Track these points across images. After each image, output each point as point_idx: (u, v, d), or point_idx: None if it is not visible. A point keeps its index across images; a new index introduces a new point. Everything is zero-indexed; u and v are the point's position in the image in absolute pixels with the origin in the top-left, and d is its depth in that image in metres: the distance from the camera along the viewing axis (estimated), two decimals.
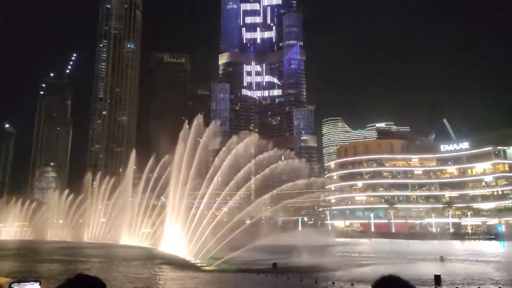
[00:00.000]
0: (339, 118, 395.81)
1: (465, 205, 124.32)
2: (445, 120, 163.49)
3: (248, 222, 54.17)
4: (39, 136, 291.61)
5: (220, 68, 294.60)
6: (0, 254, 55.74)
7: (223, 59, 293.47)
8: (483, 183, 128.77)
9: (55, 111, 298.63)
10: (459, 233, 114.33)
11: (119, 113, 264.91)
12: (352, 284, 27.72)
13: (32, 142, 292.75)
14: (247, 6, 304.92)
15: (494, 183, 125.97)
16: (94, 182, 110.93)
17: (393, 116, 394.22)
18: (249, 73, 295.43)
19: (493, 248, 73.58)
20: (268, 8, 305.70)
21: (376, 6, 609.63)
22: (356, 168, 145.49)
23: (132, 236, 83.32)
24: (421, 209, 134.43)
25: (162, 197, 79.50)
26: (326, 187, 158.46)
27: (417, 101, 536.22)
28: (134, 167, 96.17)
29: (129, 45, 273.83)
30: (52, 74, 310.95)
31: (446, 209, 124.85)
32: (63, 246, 74.37)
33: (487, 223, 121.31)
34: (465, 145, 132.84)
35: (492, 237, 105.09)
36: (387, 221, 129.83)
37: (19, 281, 3.27)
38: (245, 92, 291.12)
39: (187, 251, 51.32)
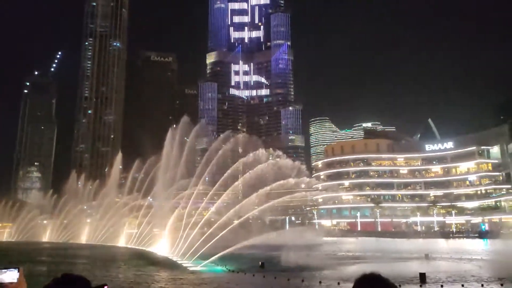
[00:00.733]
0: (326, 118, 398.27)
1: (449, 204, 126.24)
2: (430, 120, 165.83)
3: (235, 221, 54.03)
4: (23, 135, 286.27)
5: (208, 67, 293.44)
6: None
7: (210, 58, 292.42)
8: (467, 182, 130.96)
9: (39, 110, 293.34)
10: (444, 232, 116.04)
11: (105, 112, 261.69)
12: (338, 283, 27.83)
13: (16, 142, 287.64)
14: (235, 5, 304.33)
15: (478, 182, 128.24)
16: (79, 182, 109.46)
17: (379, 116, 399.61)
18: (237, 73, 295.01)
19: (477, 246, 74.84)
20: (256, 8, 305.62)
21: (364, 7, 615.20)
22: (343, 168, 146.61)
23: (117, 236, 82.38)
24: (406, 208, 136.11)
25: (148, 197, 78.87)
26: (314, 186, 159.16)
27: (403, 102, 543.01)
28: (120, 167, 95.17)
29: (115, 44, 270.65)
30: (36, 73, 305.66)
31: (431, 208, 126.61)
32: (47, 247, 73.18)
33: (471, 221, 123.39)
34: (449, 145, 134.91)
35: (476, 235, 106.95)
36: (373, 220, 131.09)
37: None
38: (233, 91, 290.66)
39: (173, 252, 50.95)
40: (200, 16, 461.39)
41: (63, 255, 55.77)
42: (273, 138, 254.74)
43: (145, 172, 76.90)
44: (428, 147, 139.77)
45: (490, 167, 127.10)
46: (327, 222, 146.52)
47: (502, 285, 27.15)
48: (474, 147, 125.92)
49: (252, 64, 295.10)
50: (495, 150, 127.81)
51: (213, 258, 40.16)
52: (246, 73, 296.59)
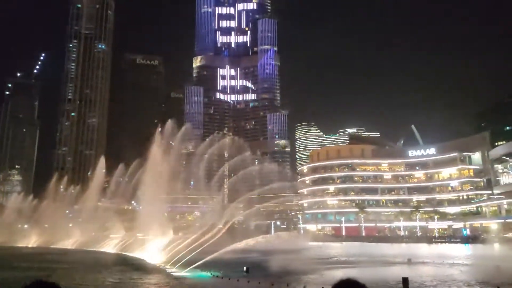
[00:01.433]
0: (312, 123, 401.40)
1: (432, 209, 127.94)
2: (413, 127, 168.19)
3: (221, 226, 53.80)
4: (3, 137, 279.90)
5: (194, 71, 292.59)
6: None
7: (197, 62, 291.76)
8: (449, 188, 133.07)
9: (21, 112, 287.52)
10: (426, 236, 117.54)
11: (89, 114, 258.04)
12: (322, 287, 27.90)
13: None
14: (222, 10, 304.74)
15: (459, 188, 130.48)
16: (61, 186, 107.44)
17: (364, 121, 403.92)
18: (223, 77, 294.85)
19: (459, 251, 76.05)
20: (243, 13, 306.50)
21: (349, 15, 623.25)
22: (328, 173, 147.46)
23: (101, 241, 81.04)
24: (390, 212, 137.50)
25: (132, 201, 77.90)
26: (299, 191, 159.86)
27: (388, 108, 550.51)
28: (104, 170, 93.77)
29: (100, 46, 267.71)
30: (19, 74, 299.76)
31: (414, 213, 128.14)
32: (27, 252, 71.52)
33: (453, 226, 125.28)
34: (432, 151, 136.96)
35: (457, 240, 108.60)
36: (357, 224, 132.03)
37: None
38: (219, 95, 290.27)
39: (158, 257, 50.38)
40: (187, 20, 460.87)
41: (43, 260, 54.56)
42: (259, 143, 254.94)
43: (129, 176, 76.00)
44: (411, 153, 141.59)
45: (471, 173, 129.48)
46: (312, 227, 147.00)
47: None
48: (456, 153, 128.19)
49: (238, 68, 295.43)
50: (476, 156, 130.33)
51: (197, 263, 39.85)
52: (232, 77, 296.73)
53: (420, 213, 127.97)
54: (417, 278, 32.97)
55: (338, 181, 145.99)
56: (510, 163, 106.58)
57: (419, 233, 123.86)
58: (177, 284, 33.53)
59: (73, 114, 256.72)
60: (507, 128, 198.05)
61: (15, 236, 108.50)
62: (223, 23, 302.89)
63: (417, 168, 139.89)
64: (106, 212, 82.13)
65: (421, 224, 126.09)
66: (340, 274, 37.51)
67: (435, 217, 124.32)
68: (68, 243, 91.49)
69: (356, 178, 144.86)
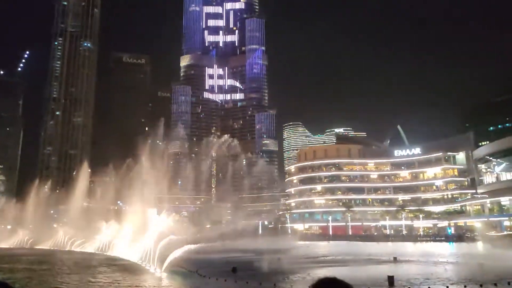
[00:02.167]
0: (299, 123, 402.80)
1: (417, 208, 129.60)
2: (399, 127, 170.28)
3: (208, 226, 53.59)
4: None
5: (182, 70, 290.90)
6: None
7: (184, 61, 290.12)
8: (434, 187, 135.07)
9: (5, 111, 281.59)
10: (412, 235, 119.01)
11: (74, 114, 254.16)
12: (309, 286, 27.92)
13: None
14: (210, 9, 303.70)
15: (444, 187, 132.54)
16: (45, 186, 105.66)
17: (351, 121, 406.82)
18: (211, 76, 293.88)
19: (443, 249, 77.11)
20: (231, 12, 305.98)
21: (336, 15, 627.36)
22: (315, 172, 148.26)
23: (85, 242, 79.88)
24: (376, 212, 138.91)
25: (118, 202, 77.08)
26: (286, 190, 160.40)
27: (374, 108, 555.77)
28: (89, 170, 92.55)
29: (86, 44, 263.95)
30: (2, 72, 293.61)
31: (399, 212, 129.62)
32: (9, 253, 70.09)
33: (438, 225, 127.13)
34: (417, 150, 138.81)
35: (442, 238, 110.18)
36: (344, 223, 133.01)
37: None
38: (207, 95, 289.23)
39: (143, 257, 49.85)
40: (174, 19, 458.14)
41: (25, 261, 53.53)
42: (247, 142, 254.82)
43: (115, 176, 75.17)
44: (397, 152, 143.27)
45: (456, 173, 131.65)
46: (299, 226, 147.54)
47: (465, 286, 28.03)
48: (441, 153, 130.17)
49: (226, 68, 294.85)
50: (460, 156, 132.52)
51: (184, 263, 39.54)
52: (220, 76, 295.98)
53: (406, 212, 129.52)
54: (403, 276, 33.29)
55: (325, 181, 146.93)
56: (494, 163, 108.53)
57: (404, 232, 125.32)
58: (163, 284, 33.20)
59: (58, 113, 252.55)
60: (491, 128, 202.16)
61: None
62: (211, 22, 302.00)
63: (402, 167, 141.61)
64: (91, 212, 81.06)
65: (406, 223, 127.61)
66: (326, 272, 37.69)
67: (420, 216, 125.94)
68: (52, 244, 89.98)
69: (343, 178, 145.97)
